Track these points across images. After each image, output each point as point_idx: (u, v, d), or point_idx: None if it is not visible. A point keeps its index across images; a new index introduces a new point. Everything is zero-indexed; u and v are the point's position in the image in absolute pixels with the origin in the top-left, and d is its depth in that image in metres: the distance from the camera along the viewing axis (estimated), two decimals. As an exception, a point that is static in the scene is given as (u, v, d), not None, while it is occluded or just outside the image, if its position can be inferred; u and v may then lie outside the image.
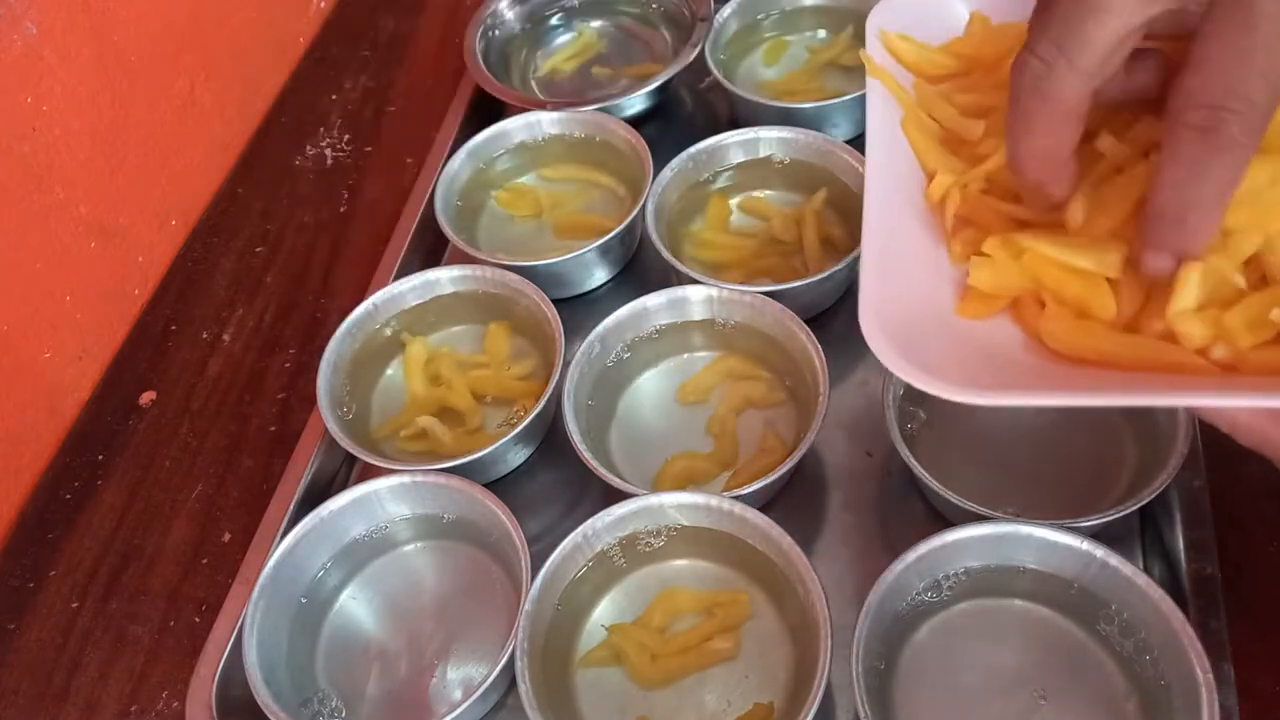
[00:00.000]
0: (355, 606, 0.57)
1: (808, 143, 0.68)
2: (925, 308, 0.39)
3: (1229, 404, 0.34)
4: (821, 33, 0.80)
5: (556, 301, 0.61)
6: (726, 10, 0.78)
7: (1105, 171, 0.39)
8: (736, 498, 0.52)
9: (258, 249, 0.77)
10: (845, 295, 0.65)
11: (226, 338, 0.72)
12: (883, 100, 0.44)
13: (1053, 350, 0.38)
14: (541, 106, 0.73)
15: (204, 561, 0.61)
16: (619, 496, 0.53)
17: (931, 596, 0.50)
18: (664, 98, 0.79)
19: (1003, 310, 0.40)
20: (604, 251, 0.66)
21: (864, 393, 0.61)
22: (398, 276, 0.67)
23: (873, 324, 0.36)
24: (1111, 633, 0.48)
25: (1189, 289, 0.35)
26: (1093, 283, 0.37)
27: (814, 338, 0.57)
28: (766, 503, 0.57)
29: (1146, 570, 0.48)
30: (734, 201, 0.70)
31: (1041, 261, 0.39)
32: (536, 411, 0.57)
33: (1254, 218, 0.35)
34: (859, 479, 0.58)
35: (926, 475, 0.51)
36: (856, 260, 0.61)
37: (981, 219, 0.42)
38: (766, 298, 0.59)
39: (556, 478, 0.61)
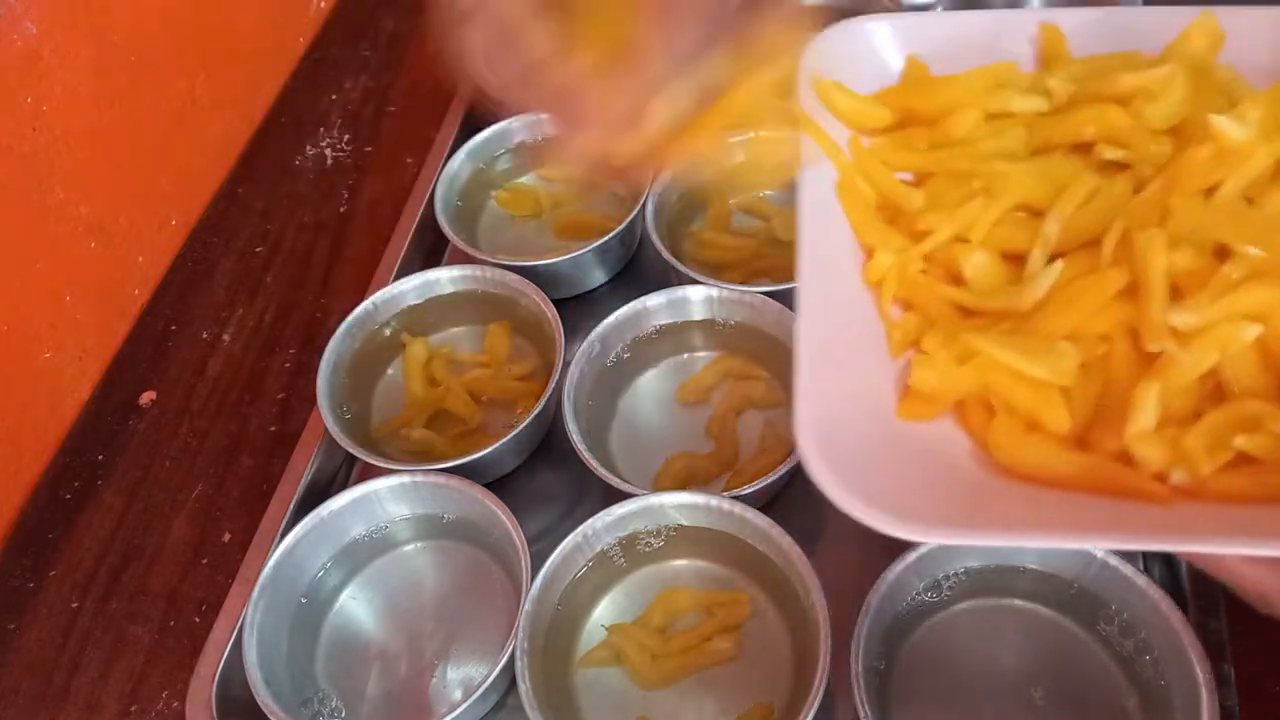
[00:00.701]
0: (355, 606, 0.57)
1: (808, 143, 0.68)
2: (865, 407, 0.36)
3: (1221, 550, 0.31)
4: (821, 33, 0.80)
5: (556, 301, 0.61)
6: (726, 10, 0.77)
7: (1073, 271, 0.37)
8: (736, 498, 0.52)
9: (258, 249, 0.77)
10: (845, 295, 0.65)
11: (226, 338, 0.72)
12: (816, 162, 0.41)
13: (1000, 462, 0.35)
14: (541, 106, 0.73)
15: (204, 561, 0.61)
16: (619, 496, 0.53)
17: (931, 596, 0.50)
18: (664, 98, 0.79)
19: (947, 412, 0.37)
20: (604, 251, 0.66)
21: (864, 393, 0.61)
22: (398, 276, 0.67)
23: (810, 440, 0.33)
24: (1111, 633, 0.48)
25: (1148, 410, 0.33)
26: (1044, 392, 0.35)
27: (814, 338, 0.57)
28: (766, 503, 0.57)
29: (1146, 570, 0.48)
30: (734, 201, 0.70)
31: (989, 365, 0.36)
32: (536, 411, 0.57)
33: (1213, 335, 0.33)
34: (859, 479, 0.58)
35: (926, 475, 0.51)
36: (856, 260, 0.61)
37: (922, 303, 0.39)
38: (766, 298, 0.59)
39: (556, 478, 0.61)
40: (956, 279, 0.39)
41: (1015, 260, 0.39)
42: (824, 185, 0.41)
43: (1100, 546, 0.33)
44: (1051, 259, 0.38)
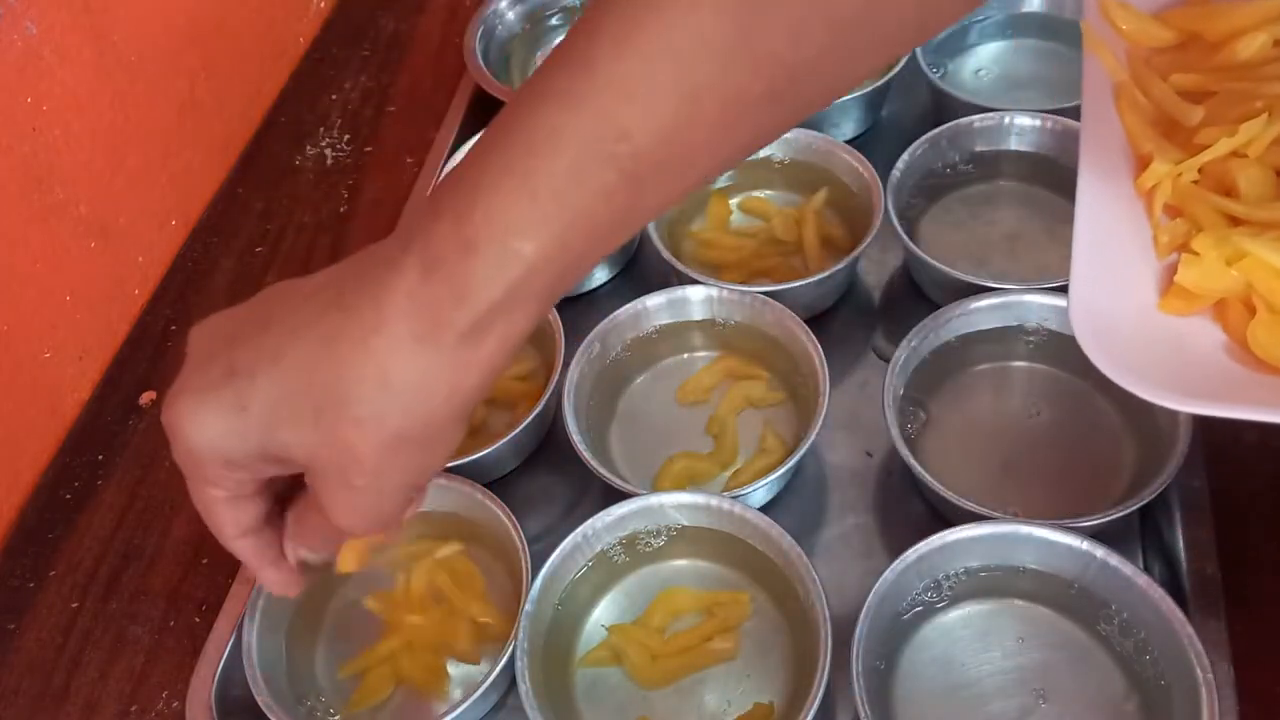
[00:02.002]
0: (355, 607, 0.57)
1: (808, 143, 0.68)
2: (1129, 297, 0.38)
3: None
4: (821, 33, 0.79)
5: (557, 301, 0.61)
6: (726, 10, 0.77)
7: None
8: (736, 498, 0.52)
9: (258, 249, 0.77)
10: (845, 295, 0.65)
11: (226, 338, 0.71)
12: (1099, 70, 0.43)
13: (1257, 358, 0.37)
14: (541, 106, 0.73)
15: (204, 561, 0.61)
16: (619, 496, 0.53)
17: (931, 596, 0.50)
18: (664, 98, 0.79)
19: (1205, 310, 0.39)
20: (604, 251, 0.66)
21: (864, 393, 0.61)
22: (398, 276, 0.66)
23: (1083, 319, 0.36)
24: (1111, 633, 0.48)
25: None
26: None
27: (814, 338, 0.57)
28: (766, 503, 0.57)
29: (1146, 570, 0.48)
30: (734, 201, 0.70)
31: (1256, 265, 0.38)
32: (536, 411, 0.57)
33: None
34: (859, 479, 0.58)
35: (926, 475, 0.51)
36: (856, 260, 0.61)
37: (1192, 211, 0.41)
38: (766, 298, 0.59)
39: (556, 478, 0.61)
40: (1228, 192, 0.40)
41: None
42: (1105, 95, 0.42)
43: None
44: None
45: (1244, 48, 0.42)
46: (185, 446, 0.37)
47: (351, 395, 0.34)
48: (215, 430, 0.36)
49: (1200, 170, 0.41)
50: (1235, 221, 0.40)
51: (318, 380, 0.34)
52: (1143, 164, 0.42)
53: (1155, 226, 0.41)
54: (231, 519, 0.40)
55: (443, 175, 0.70)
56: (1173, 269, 0.39)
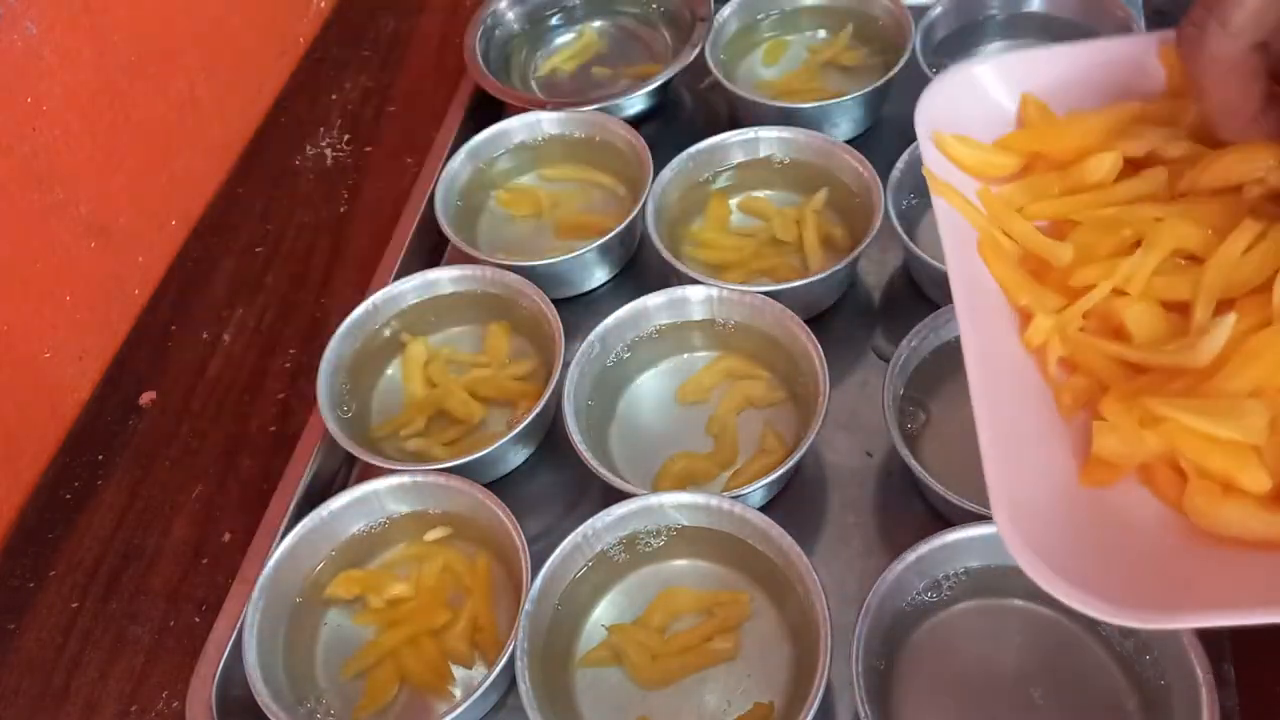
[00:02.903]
0: (355, 606, 0.57)
1: (808, 143, 0.68)
2: (1049, 477, 0.36)
3: None
4: (821, 33, 0.80)
5: (556, 301, 0.61)
6: (726, 10, 0.78)
7: (1245, 322, 0.36)
8: (736, 498, 0.52)
9: (258, 249, 0.77)
10: (845, 295, 0.65)
11: (226, 338, 0.72)
12: (953, 217, 0.41)
13: (1198, 525, 0.35)
14: (541, 106, 0.73)
15: (204, 561, 0.61)
16: (619, 496, 0.53)
17: (931, 596, 0.50)
18: (664, 98, 0.79)
19: (1129, 475, 0.36)
20: (604, 251, 0.66)
21: (864, 393, 0.61)
22: (398, 276, 0.67)
23: (1011, 528, 0.33)
24: (1111, 633, 0.48)
25: None
26: (1238, 453, 0.34)
27: (814, 338, 0.57)
28: (766, 503, 0.57)
29: (1146, 570, 0.48)
30: (734, 201, 0.70)
31: (1176, 430, 0.35)
32: (536, 411, 0.57)
33: None
34: (859, 479, 0.58)
35: (926, 475, 0.51)
36: (856, 260, 0.61)
37: (1088, 363, 0.38)
38: (766, 298, 0.59)
39: (556, 478, 0.61)
40: (1118, 332, 0.38)
41: (1177, 308, 0.38)
42: (967, 245, 0.40)
43: None
44: (1217, 308, 0.37)
45: (1093, 170, 0.40)
46: (1232, 29, 0.34)
47: None
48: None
49: (1087, 317, 0.39)
50: (1135, 368, 0.38)
51: None
52: (1025, 317, 0.39)
53: (1054, 385, 0.39)
54: (1251, 92, 0.36)
55: (442, 175, 0.70)
56: (1085, 430, 0.37)
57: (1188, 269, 0.38)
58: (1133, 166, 0.41)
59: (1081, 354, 0.38)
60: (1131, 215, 0.39)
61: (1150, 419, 0.35)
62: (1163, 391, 0.36)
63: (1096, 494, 0.36)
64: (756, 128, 0.68)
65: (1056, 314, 0.39)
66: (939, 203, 0.41)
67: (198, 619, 0.58)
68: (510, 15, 0.84)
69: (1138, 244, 0.39)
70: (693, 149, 0.68)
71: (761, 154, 0.69)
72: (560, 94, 0.82)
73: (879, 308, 0.65)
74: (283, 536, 0.56)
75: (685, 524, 0.53)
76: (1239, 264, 0.37)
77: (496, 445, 0.56)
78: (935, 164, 0.41)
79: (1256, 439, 0.34)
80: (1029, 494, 0.34)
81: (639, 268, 0.71)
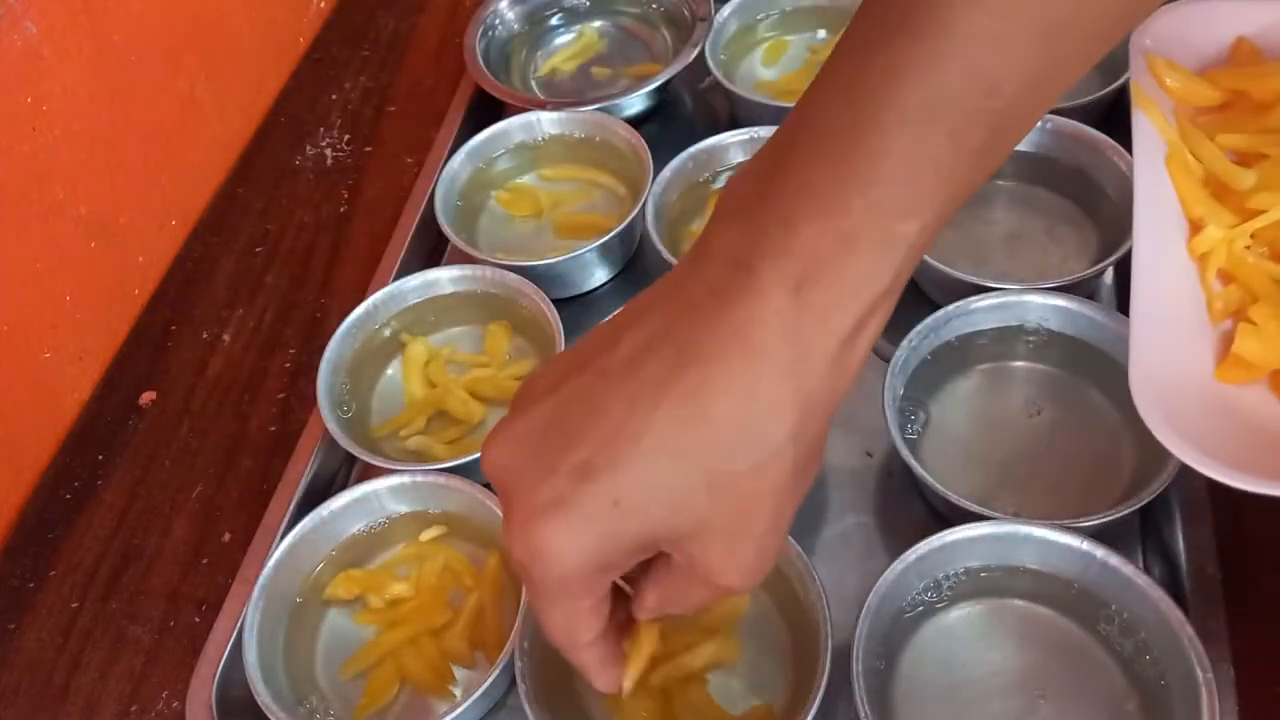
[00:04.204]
0: (355, 606, 0.57)
1: (808, 143, 0.68)
2: (1187, 367, 0.39)
3: None
4: (821, 33, 0.80)
5: (556, 301, 0.61)
6: (726, 10, 0.78)
7: None
8: (736, 498, 0.52)
9: (258, 249, 0.77)
10: (845, 295, 0.65)
11: (226, 338, 0.72)
12: (1149, 129, 0.43)
13: None
14: (541, 106, 0.73)
15: (204, 561, 0.61)
16: (619, 496, 0.53)
17: (931, 596, 0.50)
18: (664, 98, 0.79)
19: (1262, 379, 0.39)
20: (604, 251, 0.66)
21: (864, 393, 0.61)
22: (398, 276, 0.67)
23: (1146, 393, 0.37)
24: (1111, 633, 0.48)
25: None
26: None
27: (814, 338, 0.57)
28: (766, 503, 0.57)
29: (1146, 570, 0.48)
30: (734, 201, 0.70)
31: None
32: (536, 411, 0.57)
33: None
34: (859, 479, 0.58)
35: (926, 475, 0.51)
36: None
37: (1246, 278, 0.41)
38: (766, 298, 0.59)
39: (556, 478, 0.61)
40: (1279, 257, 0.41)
41: None
42: (1156, 156, 0.42)
43: None
44: None
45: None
46: (560, 570, 0.33)
47: (744, 446, 0.31)
48: (590, 539, 0.32)
49: (1253, 235, 0.42)
50: None
51: (697, 444, 0.31)
52: (1195, 228, 0.42)
53: (1209, 292, 0.41)
54: (589, 624, 0.36)
55: (442, 175, 0.70)
56: (1228, 335, 0.40)
57: None
58: None
59: (1241, 269, 0.41)
60: None
61: None
62: None
63: (1227, 390, 0.39)
64: (756, 128, 0.68)
65: (1227, 228, 0.41)
66: (1139, 116, 0.43)
67: (198, 619, 0.58)
68: (510, 15, 0.84)
69: None
70: (693, 149, 0.68)
71: (761, 154, 0.69)
72: (560, 94, 0.82)
73: (879, 308, 0.65)
74: (283, 536, 0.56)
75: (685, 524, 0.53)
76: None
77: (496, 445, 0.56)
78: (1143, 82, 0.44)
79: None
80: (1167, 376, 0.38)
81: (639, 268, 0.71)
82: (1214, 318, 0.41)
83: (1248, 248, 0.41)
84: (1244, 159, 0.43)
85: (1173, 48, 0.45)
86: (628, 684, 0.39)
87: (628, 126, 0.70)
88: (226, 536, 0.62)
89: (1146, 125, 0.44)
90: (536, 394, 0.35)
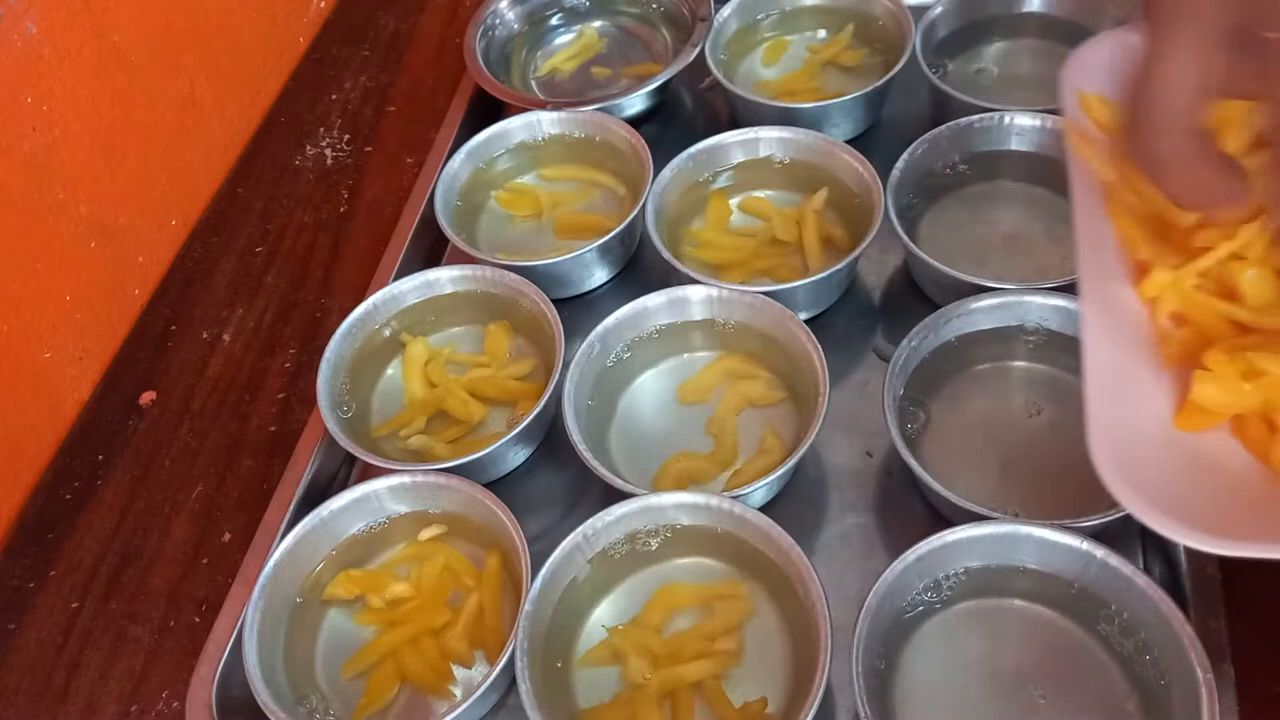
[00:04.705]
0: (355, 606, 0.57)
1: (808, 143, 0.68)
2: (1145, 418, 0.38)
3: None
4: (821, 33, 0.80)
5: (556, 301, 0.61)
6: (726, 10, 0.78)
7: None
8: (736, 498, 0.52)
9: (258, 249, 0.77)
10: (845, 295, 0.65)
11: (226, 338, 0.72)
12: (1085, 171, 0.43)
13: None
14: (541, 106, 0.73)
15: (204, 561, 0.61)
16: (619, 496, 0.53)
17: (931, 596, 0.50)
18: (664, 98, 0.79)
19: (1222, 424, 0.39)
20: (604, 251, 0.66)
21: (864, 393, 0.61)
22: (398, 276, 0.67)
23: (1106, 456, 0.36)
24: (1111, 633, 0.48)
25: None
26: None
27: (814, 338, 0.57)
28: (766, 503, 0.57)
29: (1146, 570, 0.48)
30: (734, 201, 0.70)
31: (1274, 383, 0.37)
32: (536, 411, 0.57)
33: None
34: (859, 479, 0.58)
35: (926, 475, 0.51)
36: (856, 260, 0.61)
37: (1198, 319, 0.40)
38: (766, 298, 0.59)
39: (556, 478, 0.61)
40: (1230, 294, 0.40)
41: None
42: (1094, 197, 0.42)
43: None
44: None
45: (1228, 141, 0.41)
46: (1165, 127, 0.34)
47: None
48: None
49: (1202, 276, 0.41)
50: (1242, 328, 0.40)
51: None
52: (1142, 270, 0.41)
53: (1161, 335, 0.41)
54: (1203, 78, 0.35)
55: (442, 175, 0.70)
56: (1185, 379, 0.39)
57: None
58: (1264, 144, 0.42)
59: (1193, 310, 0.40)
60: (1259, 184, 0.40)
61: (1252, 372, 0.38)
62: (1266, 349, 0.38)
63: (1187, 438, 0.38)
64: (756, 128, 0.68)
65: (1174, 269, 0.41)
66: (1074, 158, 0.43)
67: (198, 619, 0.58)
68: (510, 15, 0.84)
69: (1260, 214, 0.40)
70: (693, 149, 0.68)
71: (761, 154, 0.69)
72: (560, 94, 0.82)
73: (879, 308, 0.65)
74: (283, 536, 0.56)
75: (685, 524, 0.53)
76: None
77: (496, 445, 0.56)
78: (1076, 118, 0.44)
79: None
80: (1126, 432, 0.37)
81: (639, 268, 0.71)
82: (1168, 362, 0.40)
83: (1196, 287, 0.41)
84: None
85: (1105, 83, 0.44)
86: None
87: (628, 126, 0.70)
88: (226, 536, 0.62)
89: (1082, 169, 0.43)
90: None
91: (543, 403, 0.58)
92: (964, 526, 0.48)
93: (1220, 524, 0.35)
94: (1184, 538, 0.34)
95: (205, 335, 0.72)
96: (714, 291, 0.60)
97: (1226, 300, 0.40)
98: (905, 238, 0.61)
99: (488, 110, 0.78)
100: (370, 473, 0.57)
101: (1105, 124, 0.44)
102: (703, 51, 0.74)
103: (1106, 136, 0.44)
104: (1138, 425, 0.38)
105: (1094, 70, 0.44)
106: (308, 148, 0.83)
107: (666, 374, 0.63)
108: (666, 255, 0.63)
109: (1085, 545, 0.47)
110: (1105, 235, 0.42)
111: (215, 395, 0.69)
